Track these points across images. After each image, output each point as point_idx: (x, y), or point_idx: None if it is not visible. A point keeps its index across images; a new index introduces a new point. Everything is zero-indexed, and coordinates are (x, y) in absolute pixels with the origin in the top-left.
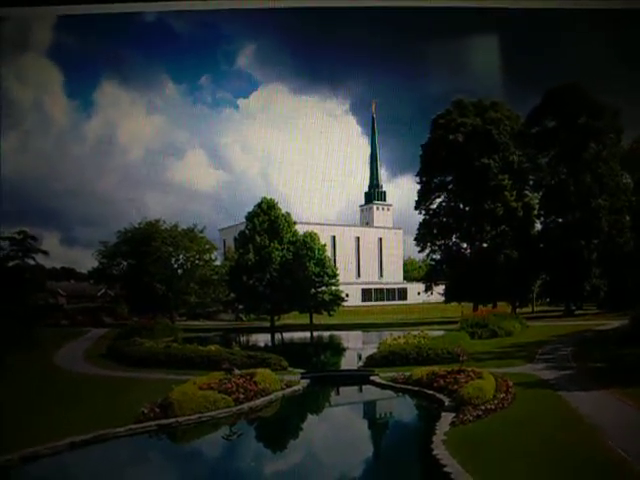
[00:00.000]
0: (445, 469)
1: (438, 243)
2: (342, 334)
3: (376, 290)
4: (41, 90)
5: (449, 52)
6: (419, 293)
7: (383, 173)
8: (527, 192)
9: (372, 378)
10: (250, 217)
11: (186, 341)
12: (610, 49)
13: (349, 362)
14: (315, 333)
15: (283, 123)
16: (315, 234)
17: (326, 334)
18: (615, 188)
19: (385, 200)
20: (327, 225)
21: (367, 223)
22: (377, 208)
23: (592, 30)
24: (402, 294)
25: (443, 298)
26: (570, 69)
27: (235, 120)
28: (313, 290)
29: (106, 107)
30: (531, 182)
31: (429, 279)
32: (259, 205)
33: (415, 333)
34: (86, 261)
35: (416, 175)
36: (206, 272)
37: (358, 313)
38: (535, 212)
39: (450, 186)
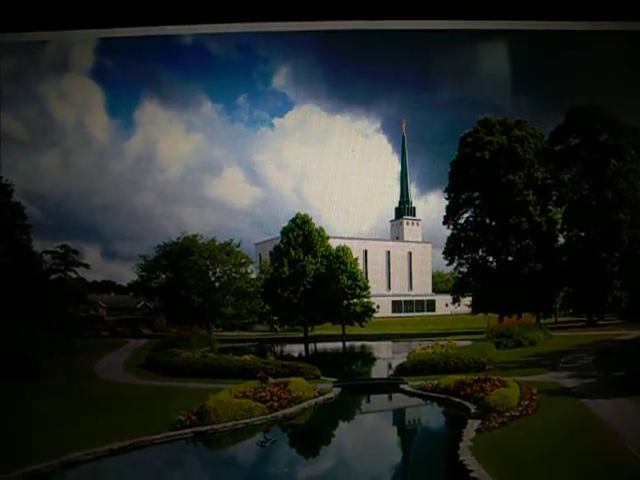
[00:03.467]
0: (471, 474)
1: (465, 256)
2: (373, 344)
3: (406, 302)
4: (82, 109)
5: (476, 72)
6: (447, 305)
7: (413, 189)
8: (551, 207)
9: (402, 386)
10: (285, 232)
11: (222, 351)
12: (628, 67)
13: (379, 371)
14: (347, 343)
15: (316, 141)
16: (348, 248)
17: (357, 344)
18: (635, 203)
19: (415, 215)
20: (359, 239)
21: (397, 237)
22: (407, 223)
23: (610, 49)
24: (431, 306)
25: (470, 309)
26: (589, 88)
27: (270, 138)
28: (345, 302)
29: (145, 126)
30: (554, 197)
31: (456, 291)
32: (293, 220)
33: (443, 343)
34: (126, 274)
35: (444, 191)
36: (242, 285)
37: (388, 324)
38: (558, 226)
39: (477, 202)
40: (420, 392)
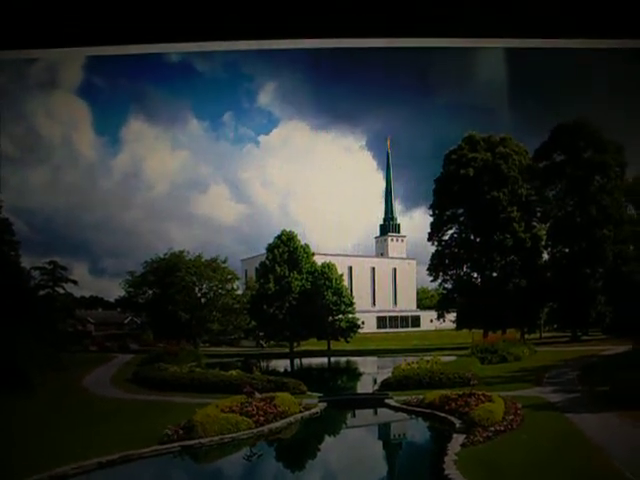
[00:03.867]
0: None
1: (450, 273)
2: (358, 359)
3: (390, 318)
4: (70, 126)
5: (462, 89)
6: (431, 320)
7: (397, 206)
8: (535, 223)
9: (387, 401)
10: (270, 248)
11: (209, 366)
12: (614, 85)
13: (365, 386)
14: (332, 359)
15: (302, 159)
16: (333, 264)
17: (343, 359)
18: (619, 219)
19: (399, 232)
20: (344, 256)
21: (382, 254)
22: (392, 240)
23: (595, 66)
24: (415, 321)
25: (454, 325)
26: (574, 105)
27: (256, 156)
28: (331, 318)
29: (132, 143)
30: (539, 214)
31: (441, 307)
32: (279, 237)
33: (428, 358)
34: (114, 290)
35: (429, 208)
36: (228, 301)
37: (373, 340)
38: (543, 242)
39: (461, 218)
40: (405, 407)
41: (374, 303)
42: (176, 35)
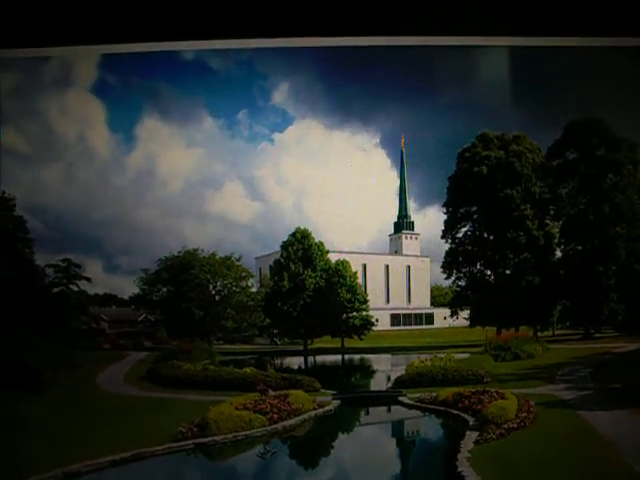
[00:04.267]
0: None
1: (463, 270)
2: (372, 357)
3: (404, 315)
4: (84, 124)
5: (475, 87)
6: (445, 318)
7: (411, 204)
8: (548, 221)
9: (400, 399)
10: (285, 246)
11: (223, 364)
12: (626, 83)
13: (378, 383)
14: (346, 356)
15: (316, 157)
16: (347, 262)
17: (357, 357)
18: (632, 217)
19: (413, 230)
20: (358, 254)
21: (396, 251)
22: (406, 237)
23: (607, 64)
24: (429, 319)
25: (468, 322)
26: (585, 102)
27: (270, 153)
28: (345, 315)
29: (146, 141)
30: (552, 212)
31: (455, 304)
32: (293, 234)
33: (441, 356)
34: (127, 287)
35: (443, 206)
36: (242, 298)
37: (387, 337)
38: (555, 240)
39: (475, 216)
40: (418, 404)
41: (388, 301)
42: (190, 33)
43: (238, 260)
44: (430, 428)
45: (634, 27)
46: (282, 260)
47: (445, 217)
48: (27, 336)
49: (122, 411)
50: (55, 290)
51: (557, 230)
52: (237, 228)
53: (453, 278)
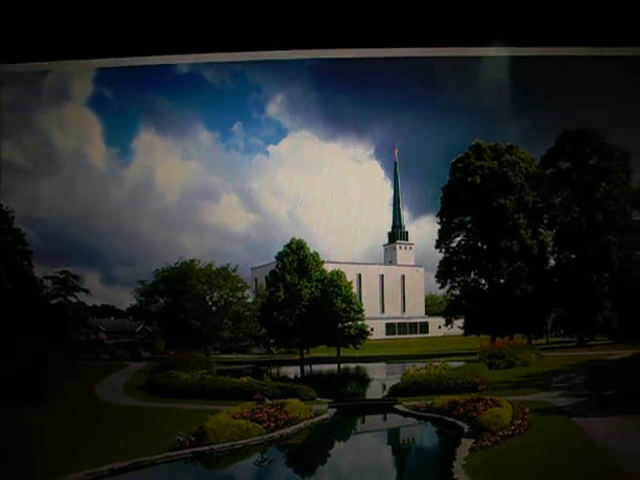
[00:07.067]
0: None
1: (457, 279)
2: (367, 366)
3: (399, 324)
4: (81, 138)
5: (471, 97)
6: (440, 327)
7: (405, 214)
8: (541, 230)
9: (396, 407)
10: (280, 257)
11: (220, 373)
12: (620, 93)
13: (374, 392)
14: (342, 365)
15: (310, 168)
16: (342, 272)
17: (352, 366)
18: (625, 225)
19: (407, 239)
20: (353, 264)
21: (390, 261)
22: (400, 247)
23: (602, 74)
24: (424, 328)
25: (462, 331)
26: (579, 112)
27: (265, 165)
28: (340, 325)
29: (143, 154)
30: (545, 221)
31: (449, 313)
32: (289, 245)
33: (436, 364)
34: (125, 299)
35: (437, 216)
36: (239, 309)
37: (382, 346)
38: (549, 249)
39: (469, 225)
40: (414, 412)
41: (383, 310)
42: (185, 46)
43: (234, 271)
44: (426, 435)
45: (634, 37)
46: (278, 271)
47: (439, 227)
48: (27, 347)
49: (121, 420)
50: (54, 301)
51: (551, 239)
52: (233, 239)
53: (447, 287)
